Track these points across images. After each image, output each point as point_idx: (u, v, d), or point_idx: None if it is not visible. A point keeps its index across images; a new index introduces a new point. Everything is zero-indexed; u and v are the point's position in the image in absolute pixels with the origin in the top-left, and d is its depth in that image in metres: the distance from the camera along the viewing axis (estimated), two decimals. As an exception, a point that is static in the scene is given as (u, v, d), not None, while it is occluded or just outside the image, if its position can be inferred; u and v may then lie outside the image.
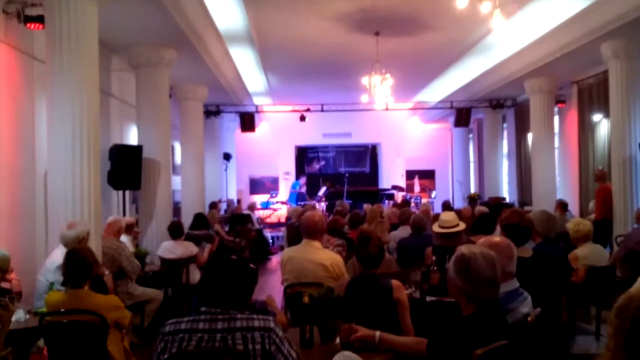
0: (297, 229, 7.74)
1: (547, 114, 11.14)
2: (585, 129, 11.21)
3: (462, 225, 5.06)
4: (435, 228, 5.12)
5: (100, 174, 5.57)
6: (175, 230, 7.08)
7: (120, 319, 3.71)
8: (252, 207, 14.07)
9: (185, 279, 6.75)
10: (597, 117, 10.75)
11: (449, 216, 5.19)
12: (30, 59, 6.32)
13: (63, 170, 5.21)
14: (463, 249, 2.53)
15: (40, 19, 5.59)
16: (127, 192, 8.30)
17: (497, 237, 3.18)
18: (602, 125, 10.56)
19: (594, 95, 10.79)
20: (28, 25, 5.71)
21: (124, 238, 6.30)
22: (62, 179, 5.21)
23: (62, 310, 3.56)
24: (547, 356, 3.25)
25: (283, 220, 14.43)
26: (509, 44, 10.23)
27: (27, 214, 6.22)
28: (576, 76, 11.09)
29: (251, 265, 2.58)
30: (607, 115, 9.75)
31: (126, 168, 7.74)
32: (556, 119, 11.89)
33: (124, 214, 8.00)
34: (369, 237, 3.60)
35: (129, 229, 6.95)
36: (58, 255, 4.29)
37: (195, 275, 6.95)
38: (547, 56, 9.66)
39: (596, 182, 9.37)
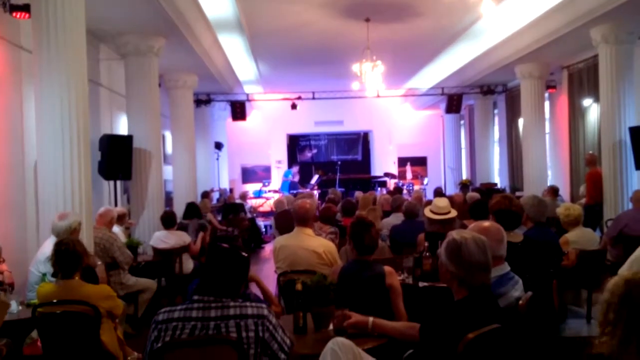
0: (287, 217, 7.75)
1: (538, 99, 11.16)
2: (576, 114, 11.26)
3: (453, 213, 5.06)
4: (428, 213, 5.10)
5: (90, 164, 5.53)
6: (168, 220, 7.07)
7: (113, 309, 3.71)
8: (243, 196, 14.05)
9: (178, 268, 6.75)
10: (587, 101, 10.79)
11: (442, 202, 5.16)
12: (17, 48, 6.25)
13: (53, 161, 5.17)
14: (454, 234, 2.55)
15: (26, 8, 5.50)
16: (119, 182, 8.26)
17: (486, 222, 3.20)
18: (593, 110, 10.60)
19: (584, 80, 10.82)
20: (14, 14, 5.63)
21: (116, 228, 6.28)
22: (52, 170, 5.18)
23: (55, 301, 3.55)
24: (538, 339, 3.28)
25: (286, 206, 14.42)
26: (499, 29, 10.22)
27: (17, 205, 6.18)
28: (566, 61, 11.11)
29: (243, 253, 2.59)
30: (597, 99, 9.79)
31: (117, 158, 7.70)
32: (547, 104, 11.93)
33: (116, 204, 7.96)
34: (369, 225, 3.62)
35: (121, 219, 6.93)
36: (49, 246, 4.26)
37: (188, 264, 6.95)
38: (537, 41, 9.66)
39: (587, 166, 9.43)
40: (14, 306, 3.92)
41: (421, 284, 4.19)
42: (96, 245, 5.47)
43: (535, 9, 8.86)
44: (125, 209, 7.65)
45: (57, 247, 3.68)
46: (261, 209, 16.33)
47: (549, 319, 3.73)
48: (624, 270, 3.62)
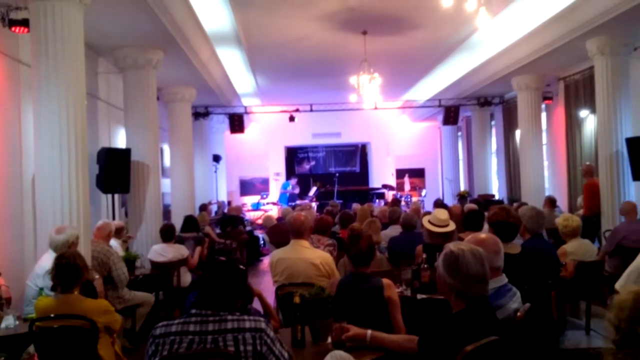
0: (281, 231, 7.75)
1: (535, 110, 11.21)
2: (573, 125, 11.30)
3: (452, 225, 5.01)
4: (427, 224, 5.05)
5: (88, 178, 5.54)
6: (167, 233, 7.05)
7: (111, 323, 3.70)
8: (238, 209, 14.01)
9: (176, 282, 6.73)
10: (583, 113, 10.84)
11: (442, 214, 5.04)
12: (15, 62, 6.27)
13: (51, 175, 5.17)
14: (451, 246, 2.55)
15: (25, 23, 5.53)
16: (116, 196, 8.25)
17: (483, 234, 3.21)
18: (589, 121, 10.65)
19: (580, 92, 10.88)
20: (13, 28, 5.65)
21: (113, 242, 6.27)
22: (50, 183, 5.18)
23: (52, 315, 3.53)
24: (537, 352, 3.28)
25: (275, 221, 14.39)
26: (496, 41, 10.29)
27: (15, 218, 6.17)
28: (562, 73, 11.18)
29: (240, 266, 2.59)
30: (593, 111, 9.84)
31: (115, 171, 7.70)
32: (543, 115, 11.98)
33: (114, 218, 7.95)
34: (359, 234, 3.61)
35: (119, 232, 6.92)
36: (47, 260, 4.26)
37: (186, 278, 6.93)
38: (533, 53, 9.72)
39: (584, 177, 9.45)
40: (11, 321, 3.90)
41: (419, 296, 4.18)
42: (94, 259, 5.46)
43: (531, 21, 8.93)
44: (123, 223, 7.64)
45: (58, 261, 3.67)
46: (259, 222, 16.30)
47: (548, 330, 3.72)
48: (621, 283, 3.62)
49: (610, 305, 1.84)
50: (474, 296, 2.46)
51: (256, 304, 3.72)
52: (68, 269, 3.61)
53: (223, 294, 2.47)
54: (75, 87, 5.29)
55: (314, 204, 15.69)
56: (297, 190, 17.74)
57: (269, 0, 8.13)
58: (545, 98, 11.70)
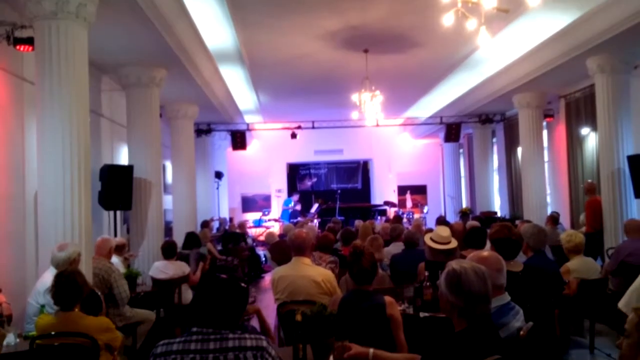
0: (282, 248, 7.74)
1: (536, 128, 11.25)
2: (574, 143, 11.32)
3: (454, 243, 5.01)
4: (429, 241, 5.05)
5: (91, 195, 5.55)
6: (168, 250, 7.04)
7: (112, 341, 3.68)
8: (242, 225, 14.01)
9: (178, 299, 6.70)
10: (585, 130, 10.86)
11: (444, 231, 5.06)
12: (19, 80, 6.32)
13: (53, 192, 5.18)
14: (453, 264, 2.54)
15: (30, 41, 5.59)
16: (118, 212, 8.26)
17: (485, 252, 3.20)
18: (590, 139, 10.67)
19: (581, 109, 10.91)
20: (18, 47, 5.70)
21: (114, 259, 6.26)
22: (52, 201, 5.19)
23: (53, 333, 3.52)
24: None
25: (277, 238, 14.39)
26: (497, 59, 10.35)
27: (17, 235, 6.16)
28: (563, 90, 11.22)
29: (242, 284, 2.58)
30: (594, 128, 9.86)
31: (117, 188, 7.71)
32: (545, 133, 12.01)
33: (115, 235, 7.95)
34: (362, 252, 3.61)
35: (120, 249, 6.91)
36: (48, 277, 4.25)
37: (188, 295, 6.90)
38: (534, 71, 9.78)
39: (586, 194, 9.44)
40: (12, 338, 3.88)
41: (422, 314, 4.16)
42: (95, 276, 5.44)
43: (532, 39, 9.00)
44: (125, 240, 7.63)
45: (58, 278, 3.66)
46: (261, 238, 16.28)
47: (551, 349, 3.70)
48: (624, 302, 3.60)
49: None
50: (477, 314, 2.45)
51: (254, 321, 3.70)
52: (68, 286, 3.60)
53: (224, 312, 2.45)
54: (78, 105, 5.32)
55: (315, 221, 15.68)
56: (298, 207, 17.73)
57: (272, 19, 8.21)
58: (546, 115, 11.74)
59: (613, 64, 8.32)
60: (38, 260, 5.45)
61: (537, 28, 8.46)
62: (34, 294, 4.48)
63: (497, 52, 9.87)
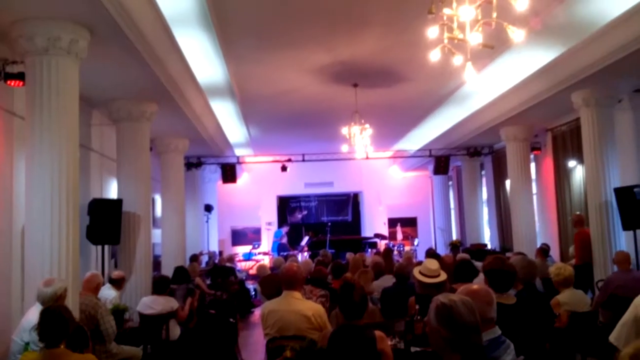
0: (273, 281, 7.66)
1: (524, 160, 11.36)
2: (561, 175, 11.43)
3: (443, 276, 4.97)
4: (418, 275, 4.99)
5: (79, 230, 5.50)
6: (160, 284, 6.94)
7: (98, 379, 3.60)
8: (231, 259, 13.89)
9: (165, 334, 6.59)
10: (572, 163, 10.98)
11: (433, 265, 4.99)
12: (9, 115, 6.32)
13: (41, 227, 5.15)
14: (441, 298, 2.52)
15: (20, 76, 5.62)
16: (106, 247, 8.17)
17: (475, 285, 3.20)
18: (577, 171, 10.78)
19: (567, 142, 11.05)
20: (9, 82, 5.73)
21: (112, 292, 6.17)
22: (39, 235, 5.14)
23: (37, 371, 3.44)
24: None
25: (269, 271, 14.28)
26: (484, 93, 10.51)
27: (2, 270, 6.06)
28: (550, 124, 11.39)
29: (230, 320, 2.56)
30: (581, 161, 9.96)
31: (105, 222, 7.65)
32: (533, 165, 12.13)
33: (103, 269, 7.85)
34: (353, 285, 3.59)
35: (119, 283, 6.83)
36: (34, 314, 4.17)
37: (175, 331, 6.78)
38: (520, 105, 9.93)
39: (574, 227, 9.47)
40: (-5, 377, 3.79)
41: (413, 349, 4.12)
42: (81, 312, 5.35)
43: (518, 74, 9.16)
44: (123, 273, 7.47)
45: (44, 314, 3.60)
46: (251, 272, 16.15)
47: (543, 384, 3.67)
48: (615, 335, 3.59)
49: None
50: (470, 347, 2.43)
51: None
52: (54, 322, 3.53)
53: (213, 348, 2.43)
54: (68, 140, 5.33)
55: (305, 254, 15.59)
56: (284, 240, 17.57)
57: (262, 53, 8.32)
58: (533, 148, 11.88)
59: (597, 98, 8.48)
60: (24, 297, 5.37)
61: (523, 63, 8.64)
62: (19, 331, 4.40)
63: (484, 87, 10.03)
